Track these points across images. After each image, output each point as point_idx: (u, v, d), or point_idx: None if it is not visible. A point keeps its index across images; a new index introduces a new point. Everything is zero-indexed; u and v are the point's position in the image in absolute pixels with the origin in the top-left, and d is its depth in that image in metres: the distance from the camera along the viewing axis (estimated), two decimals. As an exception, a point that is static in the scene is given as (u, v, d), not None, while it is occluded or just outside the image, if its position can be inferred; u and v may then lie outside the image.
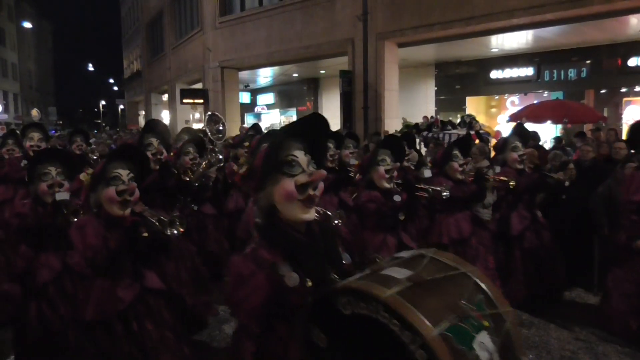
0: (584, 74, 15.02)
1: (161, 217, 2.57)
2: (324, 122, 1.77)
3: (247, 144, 5.24)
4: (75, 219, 2.90)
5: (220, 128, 5.73)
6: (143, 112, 36.68)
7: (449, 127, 12.39)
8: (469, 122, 12.18)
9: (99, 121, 58.17)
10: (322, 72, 19.68)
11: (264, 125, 22.26)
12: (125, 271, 2.64)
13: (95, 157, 6.35)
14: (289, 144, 1.66)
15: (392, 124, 13.17)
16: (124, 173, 2.60)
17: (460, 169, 4.31)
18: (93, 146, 7.53)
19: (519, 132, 4.97)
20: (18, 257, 3.28)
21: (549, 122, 12.32)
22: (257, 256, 1.59)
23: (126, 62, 44.45)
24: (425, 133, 11.96)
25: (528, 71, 15.97)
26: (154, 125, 4.61)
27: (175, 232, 2.53)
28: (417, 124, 13.33)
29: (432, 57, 16.75)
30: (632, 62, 13.93)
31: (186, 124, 23.71)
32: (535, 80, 15.87)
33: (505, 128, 14.33)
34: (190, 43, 21.32)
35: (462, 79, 17.60)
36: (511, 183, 4.37)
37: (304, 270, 1.57)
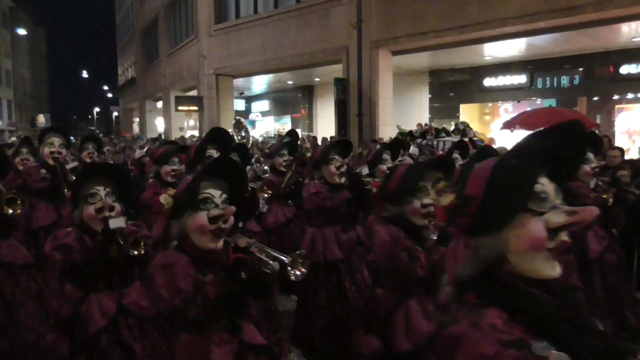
0: (576, 82, 15.13)
1: (277, 254, 2.01)
2: None
3: (308, 154, 4.99)
4: (136, 252, 2.36)
5: (243, 134, 5.61)
6: (137, 119, 36.61)
7: (443, 135, 12.45)
8: (463, 130, 12.24)
9: (93, 128, 57.98)
10: (316, 79, 19.73)
11: (258, 132, 22.30)
12: (221, 323, 2.05)
13: None
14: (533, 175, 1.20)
15: (387, 132, 13.20)
16: (217, 194, 2.05)
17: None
18: (107, 155, 7.04)
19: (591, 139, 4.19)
20: (63, 299, 2.66)
21: (542, 129, 12.35)
22: (495, 328, 1.07)
23: (121, 69, 44.41)
24: (419, 140, 12.01)
25: (521, 79, 16.06)
26: (218, 134, 3.97)
27: (299, 273, 2.00)
28: (411, 132, 13.37)
29: (426, 64, 16.84)
30: (624, 69, 14.04)
31: (180, 131, 23.69)
32: (528, 87, 15.96)
33: (498, 135, 14.39)
34: (185, 50, 21.34)
35: (455, 86, 17.68)
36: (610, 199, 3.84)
37: (568, 348, 1.07)
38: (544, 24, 10.47)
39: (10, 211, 3.30)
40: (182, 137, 16.69)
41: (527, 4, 10.24)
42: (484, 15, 10.87)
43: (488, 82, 16.77)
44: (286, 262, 1.97)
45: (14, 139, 20.94)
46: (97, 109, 58.45)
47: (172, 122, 24.22)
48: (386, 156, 4.25)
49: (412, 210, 2.54)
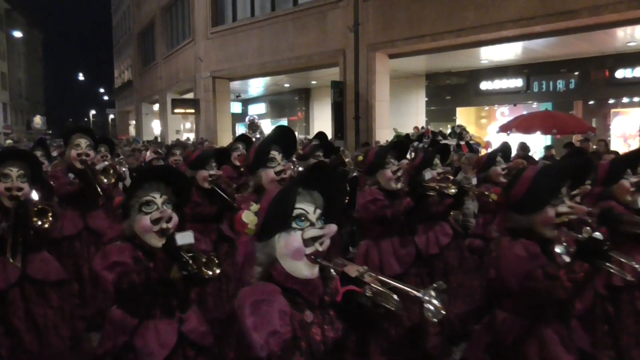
0: (572, 86, 15.19)
1: (401, 285, 1.61)
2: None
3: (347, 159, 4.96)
4: (211, 273, 2.02)
5: (258, 136, 5.58)
6: (134, 122, 36.53)
7: (440, 138, 12.45)
8: (459, 133, 12.25)
9: (89, 131, 57.81)
10: (313, 82, 19.74)
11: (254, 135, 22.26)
12: None
13: (124, 170, 5.61)
14: None
15: (383, 134, 13.21)
16: (310, 210, 1.65)
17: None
18: (121, 157, 6.74)
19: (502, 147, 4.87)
20: (113, 327, 2.26)
21: (538, 132, 12.41)
22: None
23: (117, 72, 44.33)
24: (416, 143, 12.00)
25: (517, 82, 16.11)
26: (283, 134, 3.25)
27: (435, 310, 1.50)
28: (407, 134, 13.38)
29: (423, 68, 16.87)
30: (620, 73, 14.11)
31: (177, 134, 23.66)
32: (524, 91, 16.01)
33: (495, 139, 14.42)
34: (182, 53, 21.32)
35: (452, 89, 17.72)
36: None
37: None
38: (540, 28, 10.52)
39: (40, 223, 3.02)
40: (178, 140, 16.67)
41: (524, 8, 10.27)
42: (481, 19, 10.91)
43: (484, 85, 16.82)
44: (420, 296, 1.52)
45: (9, 141, 20.80)
46: (93, 112, 58.39)
47: (169, 124, 24.17)
48: (437, 161, 3.99)
49: (544, 219, 2.18)
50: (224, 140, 16.42)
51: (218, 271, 2.08)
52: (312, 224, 1.63)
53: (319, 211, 1.67)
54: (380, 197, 3.49)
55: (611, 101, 14.90)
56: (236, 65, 17.30)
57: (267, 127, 24.38)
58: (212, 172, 3.90)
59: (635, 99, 14.15)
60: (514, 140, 11.98)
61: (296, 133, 20.38)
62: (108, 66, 49.81)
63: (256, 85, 21.51)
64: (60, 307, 3.27)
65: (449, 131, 13.88)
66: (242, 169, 5.14)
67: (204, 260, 2.06)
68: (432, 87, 18.27)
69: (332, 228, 1.60)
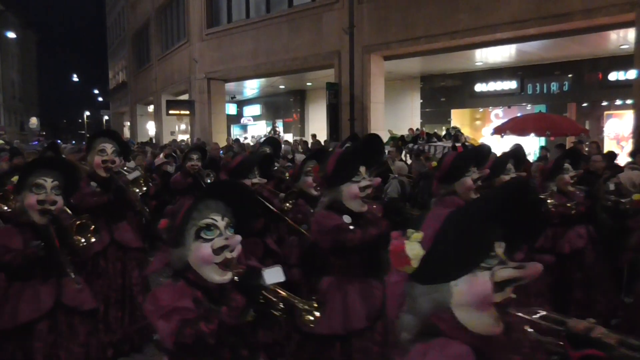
0: (566, 88, 15.28)
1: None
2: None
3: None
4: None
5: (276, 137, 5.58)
6: (128, 123, 36.39)
7: (435, 139, 12.49)
8: (455, 135, 12.30)
9: (83, 132, 57.61)
10: (308, 84, 19.75)
11: (250, 136, 22.25)
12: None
13: (209, 181, 5.31)
14: None
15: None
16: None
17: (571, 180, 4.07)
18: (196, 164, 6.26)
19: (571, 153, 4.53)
20: None
21: (532, 135, 12.48)
22: None
23: (111, 73, 44.17)
24: (410, 145, 12.03)
25: (512, 84, 16.19)
26: (371, 144, 2.94)
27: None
28: (402, 136, 13.41)
29: (418, 70, 16.92)
30: (613, 76, 14.20)
31: (172, 135, 23.58)
32: (518, 93, 16.09)
33: (489, 140, 14.47)
34: (177, 54, 21.27)
35: (447, 91, 17.78)
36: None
37: None
38: (534, 31, 10.57)
39: (83, 240, 2.66)
40: (174, 141, 16.62)
41: (518, 11, 10.33)
42: (475, 21, 10.95)
43: (479, 87, 16.89)
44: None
45: (1, 141, 20.63)
46: (87, 113, 58.13)
47: (164, 126, 24.09)
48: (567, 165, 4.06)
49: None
50: (219, 142, 16.38)
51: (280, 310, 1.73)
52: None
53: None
54: None
55: (604, 103, 14.99)
56: (231, 67, 17.28)
57: (262, 129, 24.40)
58: (256, 180, 3.53)
59: (628, 101, 14.21)
60: (508, 142, 12.05)
61: (291, 135, 20.34)
62: (102, 67, 49.73)
63: (251, 87, 21.49)
64: (85, 344, 2.85)
65: (444, 133, 13.93)
66: (283, 177, 4.95)
67: (274, 298, 1.70)
68: (426, 89, 18.32)
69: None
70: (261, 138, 16.97)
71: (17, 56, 51.94)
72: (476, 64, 15.60)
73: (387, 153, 6.34)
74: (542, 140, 13.76)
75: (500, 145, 13.73)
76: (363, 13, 12.99)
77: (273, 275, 1.69)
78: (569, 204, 3.97)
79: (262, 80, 19.18)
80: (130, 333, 3.92)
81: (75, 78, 55.77)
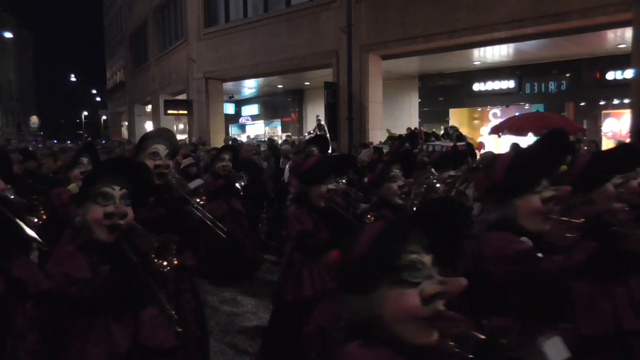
0: (563, 87, 15.31)
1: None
2: None
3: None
4: None
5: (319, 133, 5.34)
6: (126, 123, 36.37)
7: (433, 139, 12.48)
8: (460, 135, 12.27)
9: (81, 132, 57.52)
10: (306, 83, 19.75)
11: (247, 135, 22.24)
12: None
13: (242, 184, 5.03)
14: None
15: (377, 136, 13.24)
16: None
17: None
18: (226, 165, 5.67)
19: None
20: None
21: (530, 134, 12.49)
22: None
23: (109, 73, 44.11)
24: (408, 144, 12.02)
25: (509, 84, 16.22)
26: (405, 155, 2.94)
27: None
28: (400, 135, 13.40)
29: (416, 69, 16.93)
30: (610, 75, 14.23)
31: (170, 135, 23.53)
32: (516, 92, 16.11)
33: (487, 140, 14.50)
34: (175, 54, 21.25)
35: (445, 91, 17.80)
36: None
37: None
38: (532, 30, 10.59)
39: (166, 264, 2.09)
40: (234, 140, 16.49)
41: (516, 10, 10.34)
42: (473, 20, 10.97)
43: (477, 87, 16.91)
44: None
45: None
46: (85, 113, 58.00)
47: (162, 126, 24.06)
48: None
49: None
50: (217, 141, 16.37)
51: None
52: None
53: None
54: None
55: (602, 103, 15.02)
56: (229, 67, 17.28)
57: (261, 128, 24.40)
58: (332, 186, 3.09)
59: (626, 101, 14.27)
60: (506, 141, 12.07)
61: (289, 134, 20.23)
62: (100, 67, 49.58)
63: (249, 87, 21.49)
64: None
65: (442, 132, 13.94)
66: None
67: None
68: (424, 89, 18.34)
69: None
70: (305, 136, 16.02)
71: (14, 56, 51.85)
72: (474, 63, 15.62)
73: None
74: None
75: (498, 145, 13.78)
76: (361, 12, 13.00)
77: (556, 350, 1.29)
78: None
79: (260, 79, 19.18)
80: None
81: (72, 78, 55.67)
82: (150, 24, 25.00)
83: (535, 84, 15.79)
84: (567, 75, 15.17)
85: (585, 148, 9.35)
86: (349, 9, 12.88)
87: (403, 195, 3.43)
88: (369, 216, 3.24)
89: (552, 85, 15.50)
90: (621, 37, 11.61)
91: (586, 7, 9.49)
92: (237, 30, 16.87)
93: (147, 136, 3.30)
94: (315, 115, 19.52)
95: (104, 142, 30.90)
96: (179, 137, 22.13)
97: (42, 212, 2.79)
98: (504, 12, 10.51)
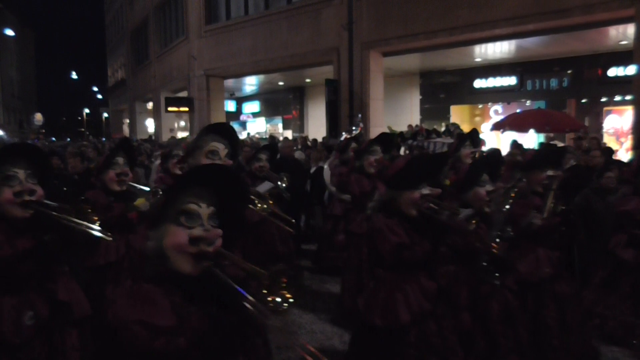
0: (565, 84, 15.26)
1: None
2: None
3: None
4: None
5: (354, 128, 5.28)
6: (127, 121, 36.38)
7: (434, 136, 12.47)
8: (454, 131, 12.26)
9: (83, 130, 57.55)
10: (307, 80, 19.73)
11: (248, 133, 22.22)
12: None
13: (284, 186, 4.62)
14: None
15: (378, 133, 13.15)
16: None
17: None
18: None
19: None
20: None
21: (531, 130, 12.46)
22: None
23: (110, 71, 44.12)
24: (409, 141, 12.02)
25: (511, 80, 16.17)
26: (494, 158, 2.91)
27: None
28: (402, 133, 13.40)
29: (417, 66, 16.89)
30: (612, 72, 14.18)
31: (171, 132, 23.58)
32: (518, 89, 16.07)
33: (488, 136, 14.47)
34: (176, 51, 21.25)
35: (446, 88, 17.76)
36: None
37: None
38: (534, 27, 10.56)
39: (279, 300, 1.53)
40: (173, 138, 16.61)
41: (517, 7, 10.31)
42: (474, 17, 10.94)
43: (478, 83, 16.87)
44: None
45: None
46: (86, 111, 58.02)
47: (163, 123, 24.10)
48: None
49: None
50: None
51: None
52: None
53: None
54: None
55: (604, 99, 14.97)
56: (230, 64, 17.27)
57: (262, 126, 24.38)
58: (426, 192, 2.70)
59: (628, 97, 14.23)
60: (507, 138, 12.05)
61: (290, 132, 20.23)
62: (101, 65, 49.65)
63: (250, 84, 21.48)
64: None
65: (443, 129, 13.92)
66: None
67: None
68: (426, 86, 18.30)
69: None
70: (342, 134, 15.50)
71: (16, 54, 51.87)
72: (475, 60, 15.58)
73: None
74: (541, 137, 13.76)
75: (500, 141, 13.76)
76: (362, 9, 12.97)
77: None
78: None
79: (261, 77, 19.18)
80: None
81: (74, 75, 55.64)
82: (151, 21, 25.00)
83: (537, 80, 15.74)
84: (569, 72, 15.12)
85: (587, 145, 9.32)
86: (350, 5, 12.85)
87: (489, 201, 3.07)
88: (473, 222, 2.86)
89: (553, 82, 15.46)
90: (623, 34, 11.56)
91: (588, 4, 9.46)
92: (238, 27, 16.85)
93: (206, 131, 2.85)
94: (316, 112, 19.54)
95: (103, 139, 30.89)
96: (180, 134, 22.17)
97: (94, 217, 2.44)
98: (505, 9, 10.48)
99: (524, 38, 11.75)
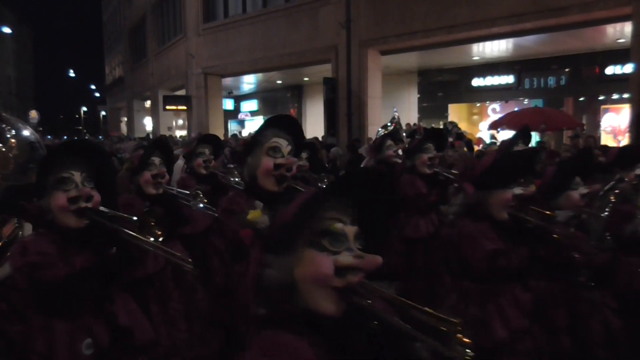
0: (563, 82, 15.28)
1: None
2: None
3: None
4: None
5: (389, 124, 5.19)
6: (125, 119, 36.32)
7: (432, 134, 12.46)
8: (460, 133, 12.27)
9: (80, 127, 57.42)
10: (305, 79, 19.71)
11: (247, 132, 22.21)
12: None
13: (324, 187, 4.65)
14: None
15: (376, 131, 13.22)
16: None
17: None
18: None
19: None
20: None
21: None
22: None
23: (108, 68, 44.02)
24: (408, 140, 12.01)
25: (509, 79, 16.19)
26: (528, 157, 2.68)
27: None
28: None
29: (415, 64, 16.89)
30: (610, 70, 14.21)
31: (169, 130, 23.54)
32: (515, 88, 16.09)
33: (486, 135, 14.50)
34: (173, 49, 21.21)
35: (444, 86, 17.77)
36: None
37: None
38: (531, 25, 10.56)
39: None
40: (171, 136, 16.60)
41: (515, 5, 10.32)
42: (472, 15, 10.94)
43: (476, 82, 16.88)
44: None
45: None
46: (84, 109, 57.80)
47: (161, 121, 24.06)
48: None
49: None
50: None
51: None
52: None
53: None
54: None
55: (601, 98, 15.00)
56: (228, 62, 17.24)
57: (259, 124, 24.32)
58: (519, 191, 2.48)
59: (625, 95, 14.25)
60: (505, 137, 12.06)
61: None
62: (99, 63, 49.50)
63: (248, 82, 21.45)
64: None
65: (441, 127, 13.93)
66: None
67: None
68: (424, 84, 18.31)
69: None
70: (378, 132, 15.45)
71: (13, 51, 51.72)
72: (473, 58, 15.58)
73: None
74: (538, 135, 13.78)
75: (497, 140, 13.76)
76: (360, 7, 12.96)
77: None
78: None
79: (259, 75, 19.14)
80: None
81: (71, 73, 55.47)
82: (149, 19, 24.94)
83: (535, 79, 15.76)
84: (567, 70, 15.14)
85: (584, 143, 9.35)
86: (348, 4, 12.84)
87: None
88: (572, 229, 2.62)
89: (551, 80, 15.48)
90: (621, 32, 11.59)
91: (585, 2, 9.47)
92: (236, 25, 16.83)
93: (267, 125, 2.50)
94: (314, 110, 19.53)
95: (100, 137, 30.84)
96: (178, 133, 22.15)
97: (157, 231, 2.19)
98: (503, 7, 10.48)
99: (522, 36, 11.77)
